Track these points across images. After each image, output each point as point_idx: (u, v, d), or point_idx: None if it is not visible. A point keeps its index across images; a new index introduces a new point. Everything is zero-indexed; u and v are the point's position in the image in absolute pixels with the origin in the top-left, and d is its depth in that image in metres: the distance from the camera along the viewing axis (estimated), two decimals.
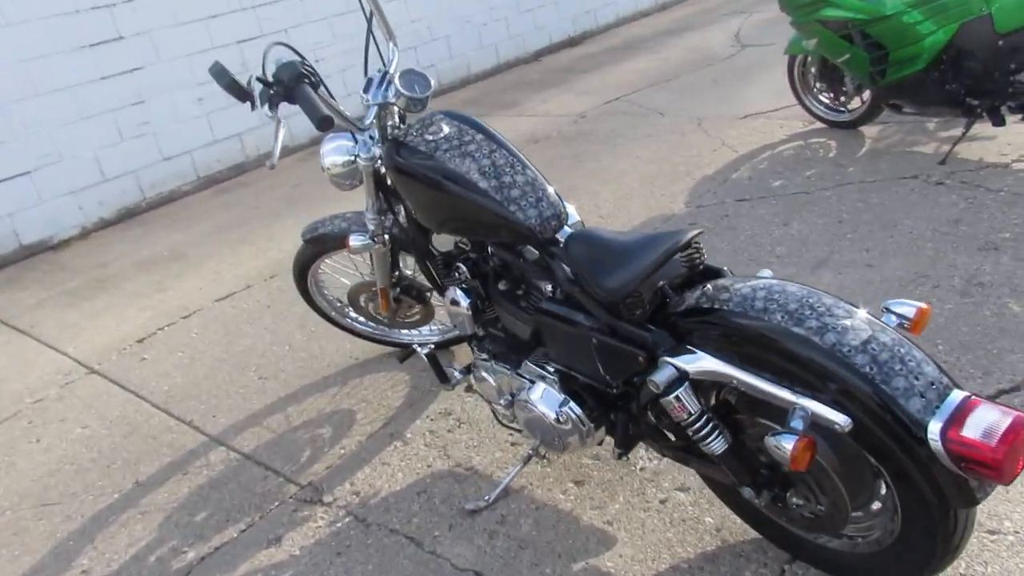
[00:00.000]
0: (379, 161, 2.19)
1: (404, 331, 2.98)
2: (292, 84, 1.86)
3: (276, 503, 2.39)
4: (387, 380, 2.90)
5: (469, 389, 2.51)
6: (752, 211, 3.73)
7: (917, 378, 1.37)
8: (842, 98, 4.43)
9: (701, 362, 1.58)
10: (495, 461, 2.40)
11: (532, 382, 2.05)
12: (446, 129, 2.03)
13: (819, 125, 4.61)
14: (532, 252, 1.97)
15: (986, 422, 1.28)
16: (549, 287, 1.97)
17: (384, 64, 2.19)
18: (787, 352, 1.46)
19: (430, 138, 2.02)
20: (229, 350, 3.34)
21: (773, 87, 5.38)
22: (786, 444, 1.38)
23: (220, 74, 1.92)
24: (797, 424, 1.42)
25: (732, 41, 7.15)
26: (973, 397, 1.34)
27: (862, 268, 3.05)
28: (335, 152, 2.27)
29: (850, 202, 3.62)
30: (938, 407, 1.34)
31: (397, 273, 2.64)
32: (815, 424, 1.43)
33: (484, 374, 2.20)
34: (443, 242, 2.24)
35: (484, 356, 2.22)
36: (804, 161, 4.19)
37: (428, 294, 2.74)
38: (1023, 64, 3.48)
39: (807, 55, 4.43)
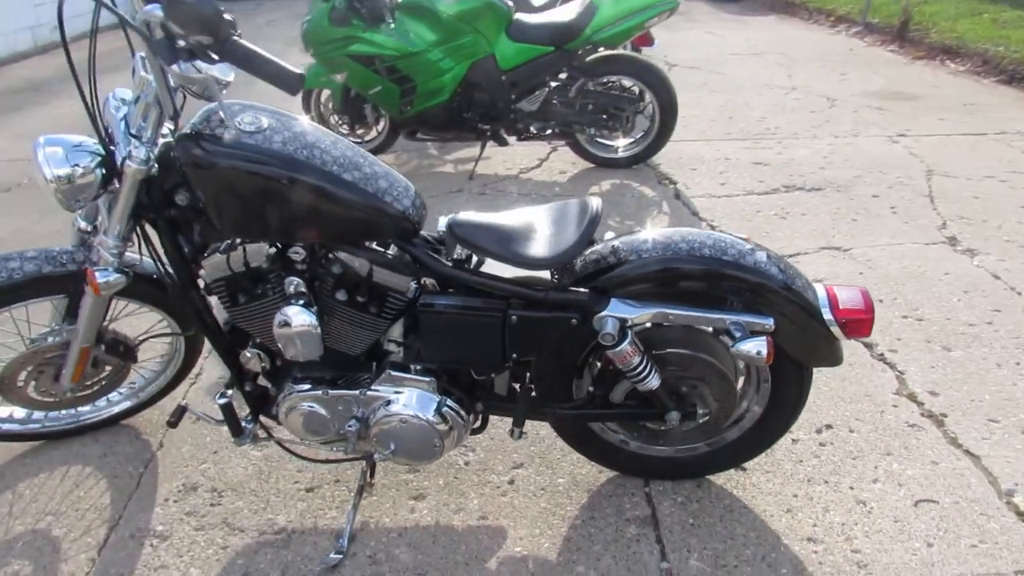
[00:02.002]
0: (151, 166, 1.71)
1: (84, 406, 2.27)
2: (220, 33, 1.38)
3: None
4: (59, 480, 2.18)
5: (255, 439, 2.07)
6: None
7: (799, 277, 1.82)
8: (360, 129, 4.79)
9: (640, 309, 1.76)
10: (303, 512, 2.07)
11: (396, 393, 1.89)
12: (265, 119, 1.72)
13: None
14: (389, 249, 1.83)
15: (852, 298, 1.80)
16: (413, 284, 1.85)
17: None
18: (716, 277, 1.75)
19: (251, 129, 1.69)
20: None
21: None
22: (761, 346, 1.69)
23: None
24: (739, 333, 1.74)
25: None
26: (828, 285, 1.85)
27: None
28: (64, 160, 1.69)
29: None
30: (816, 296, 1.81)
31: (103, 324, 2.04)
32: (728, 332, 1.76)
33: (308, 406, 1.92)
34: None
35: (305, 387, 1.93)
36: None
37: (136, 347, 2.17)
38: (522, 95, 4.37)
39: (323, 88, 4.67)
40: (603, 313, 1.76)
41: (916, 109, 5.73)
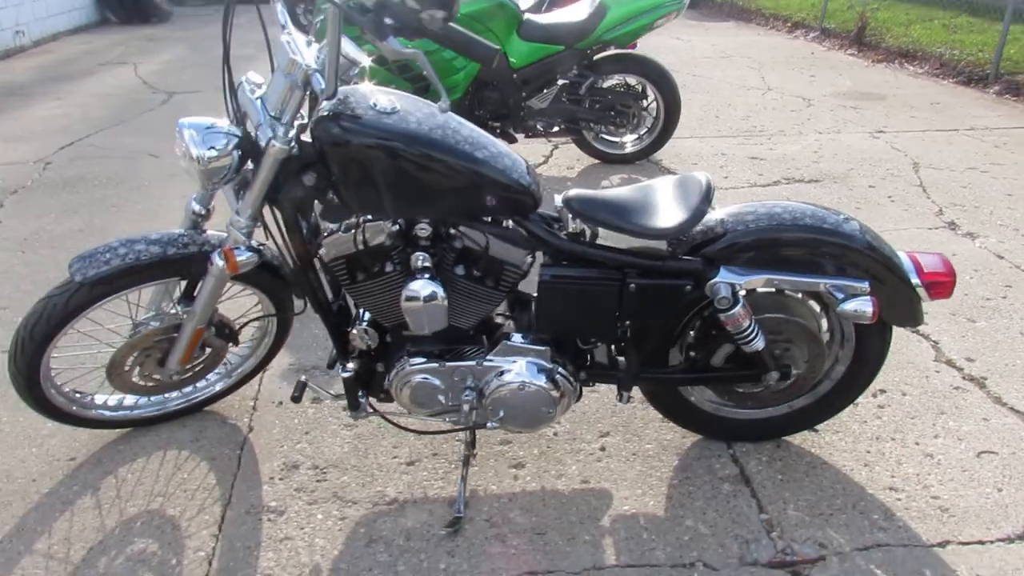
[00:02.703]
0: (292, 147, 1.78)
1: (175, 392, 2.30)
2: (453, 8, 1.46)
3: None
4: (159, 465, 2.21)
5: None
6: None
7: (886, 245, 1.98)
8: None
9: (748, 275, 1.90)
10: (410, 484, 2.15)
11: (511, 363, 1.99)
12: (397, 101, 1.81)
13: None
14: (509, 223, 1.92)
15: (934, 263, 1.97)
16: (529, 258, 1.95)
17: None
18: (817, 244, 1.89)
19: (388, 109, 1.77)
20: None
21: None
22: (867, 306, 1.84)
23: None
24: (841, 295, 1.89)
25: (145, 87, 6.77)
26: (910, 252, 2.02)
27: None
28: (213, 137, 1.75)
29: None
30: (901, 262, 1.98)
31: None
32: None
33: (424, 378, 2.00)
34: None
35: (421, 360, 2.00)
36: None
37: (239, 330, 2.21)
38: (532, 93, 4.49)
39: None
40: (716, 279, 1.89)
41: (887, 108, 6.05)
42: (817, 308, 2.09)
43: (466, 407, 2.00)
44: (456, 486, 2.13)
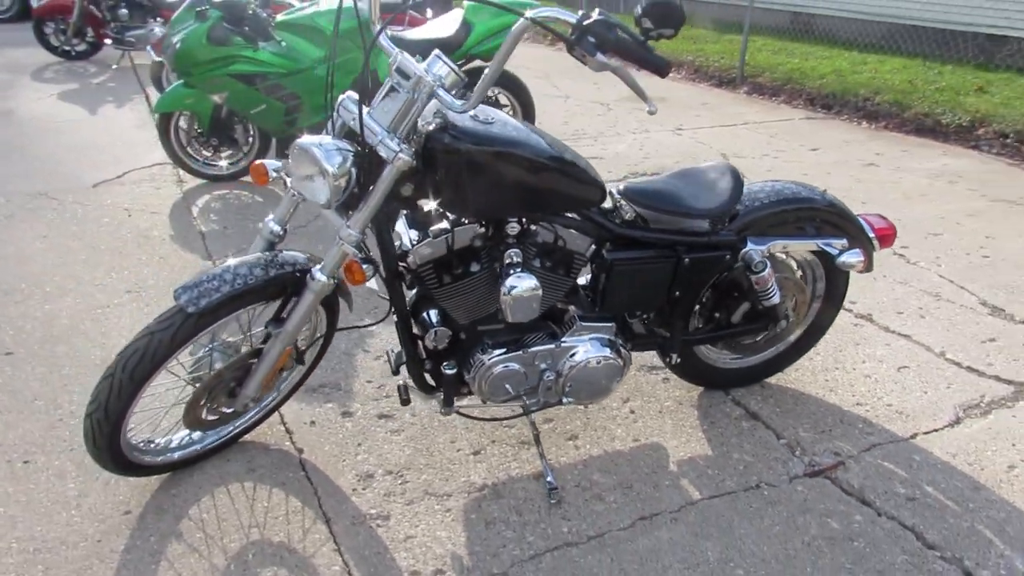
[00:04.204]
0: (414, 160, 1.89)
1: (237, 420, 2.23)
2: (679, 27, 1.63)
3: None
4: (229, 499, 2.15)
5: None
6: None
7: (848, 208, 2.51)
8: (227, 151, 4.68)
9: (768, 242, 2.32)
10: (489, 470, 2.30)
11: (581, 342, 2.23)
12: (490, 112, 1.99)
13: (199, 181, 4.72)
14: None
15: (880, 221, 2.53)
16: (593, 245, 2.20)
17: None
18: (813, 212, 2.36)
19: (485, 120, 1.95)
20: None
21: (96, 152, 5.04)
22: (860, 256, 2.33)
23: None
24: (835, 251, 2.37)
25: None
26: (860, 214, 2.56)
27: None
28: (338, 153, 1.81)
29: None
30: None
31: None
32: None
33: (507, 367, 2.17)
34: None
35: (501, 350, 2.18)
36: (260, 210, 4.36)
37: (306, 349, 2.22)
38: None
39: (183, 111, 4.49)
40: (747, 248, 2.28)
41: (671, 108, 6.95)
42: (794, 264, 2.57)
43: (547, 387, 2.20)
44: (530, 464, 2.32)
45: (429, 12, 5.39)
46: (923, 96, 6.80)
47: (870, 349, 2.99)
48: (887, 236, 2.52)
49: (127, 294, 3.30)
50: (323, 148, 1.83)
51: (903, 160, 5.52)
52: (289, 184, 2.02)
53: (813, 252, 2.49)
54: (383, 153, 1.85)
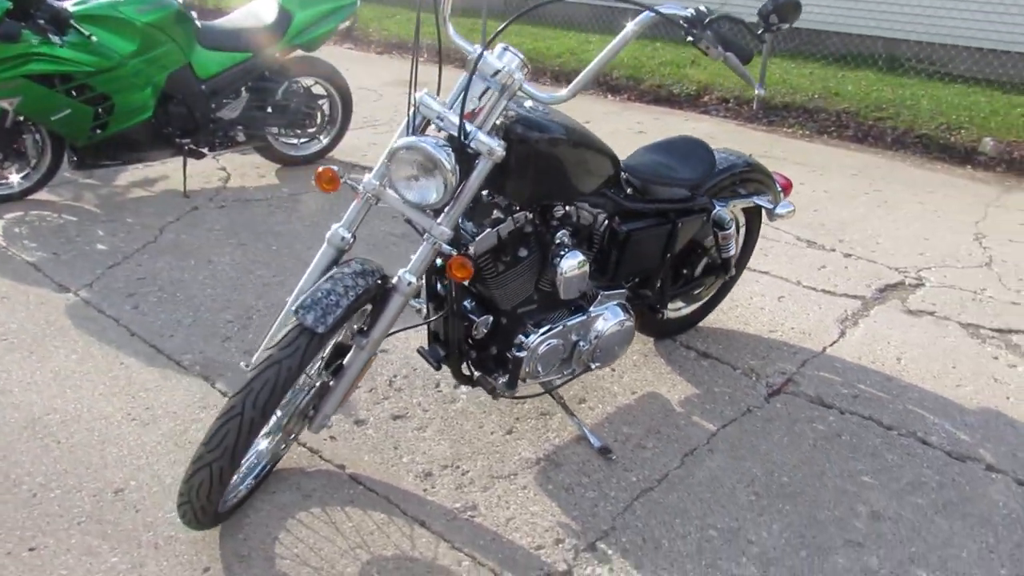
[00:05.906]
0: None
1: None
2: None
3: None
4: (303, 527, 2.04)
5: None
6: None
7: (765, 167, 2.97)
8: (13, 166, 4.00)
9: (728, 203, 2.69)
10: (530, 445, 2.41)
11: (606, 309, 2.44)
12: (531, 103, 2.10)
13: None
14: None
15: (779, 176, 3.03)
16: (606, 220, 2.40)
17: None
18: (750, 172, 2.77)
19: (537, 108, 2.07)
20: None
21: None
22: (790, 207, 2.78)
23: None
24: (771, 206, 2.81)
25: None
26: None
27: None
28: (444, 150, 1.82)
29: (213, 242, 3.81)
30: None
31: None
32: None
33: (551, 343, 2.29)
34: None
35: (544, 328, 2.30)
36: (70, 239, 3.80)
37: None
38: (221, 105, 4.31)
39: None
40: (717, 209, 2.63)
41: None
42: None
43: (578, 357, 2.37)
44: (565, 431, 2.48)
45: None
46: (651, 70, 7.76)
47: (748, 287, 3.54)
48: (787, 187, 3.02)
49: None
50: (436, 147, 1.80)
51: (662, 126, 6.32)
52: (363, 188, 1.95)
53: (744, 208, 2.91)
54: (479, 148, 1.88)
